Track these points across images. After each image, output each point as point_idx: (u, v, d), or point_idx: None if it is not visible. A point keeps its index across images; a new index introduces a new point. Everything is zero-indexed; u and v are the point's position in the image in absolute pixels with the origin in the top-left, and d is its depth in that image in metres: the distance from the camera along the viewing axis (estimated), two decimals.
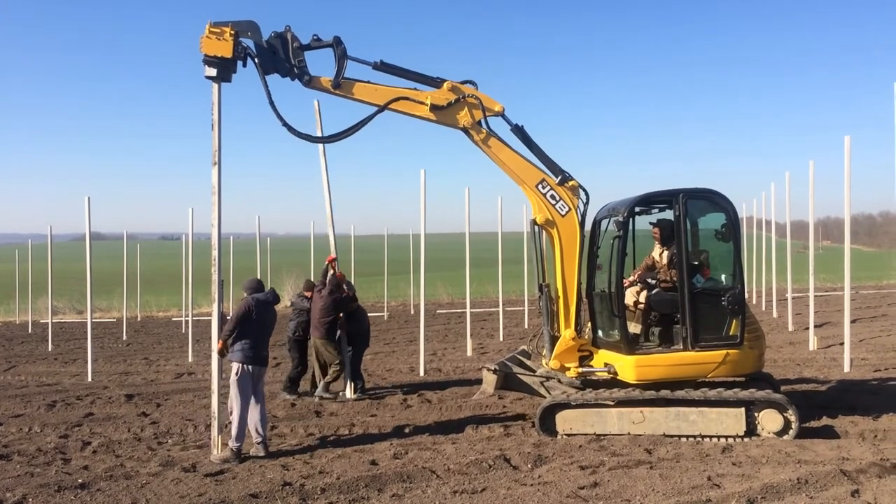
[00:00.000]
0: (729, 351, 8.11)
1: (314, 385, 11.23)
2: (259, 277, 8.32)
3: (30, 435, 9.35)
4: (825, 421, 8.55)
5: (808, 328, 15.39)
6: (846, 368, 11.83)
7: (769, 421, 7.84)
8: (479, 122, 8.40)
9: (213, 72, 7.78)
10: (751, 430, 7.85)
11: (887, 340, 15.10)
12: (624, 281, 8.57)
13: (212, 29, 7.69)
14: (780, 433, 7.78)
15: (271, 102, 8.00)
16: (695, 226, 8.64)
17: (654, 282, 8.80)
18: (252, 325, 8.01)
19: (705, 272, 8.45)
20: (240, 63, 7.94)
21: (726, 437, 7.86)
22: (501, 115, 8.50)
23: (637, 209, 8.77)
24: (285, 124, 8.08)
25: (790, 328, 18.12)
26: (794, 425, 7.78)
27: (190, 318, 18.37)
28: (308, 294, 11.42)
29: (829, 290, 29.60)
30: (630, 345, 8.22)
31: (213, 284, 7.84)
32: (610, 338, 8.51)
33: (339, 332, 11.10)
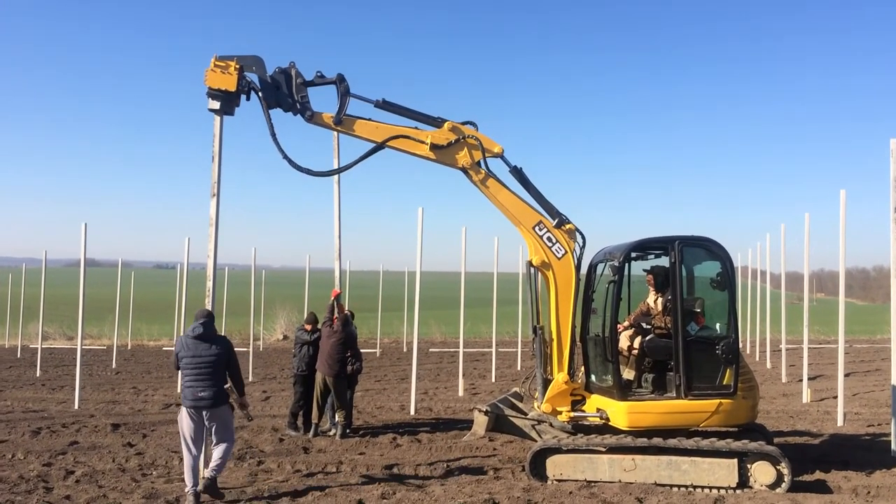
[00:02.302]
0: (722, 400, 8.06)
1: (307, 421, 11.08)
2: (209, 309, 7.86)
3: (13, 462, 9.21)
4: (818, 475, 8.47)
5: (801, 380, 15.32)
6: (840, 422, 11.76)
7: (762, 473, 7.76)
8: (479, 163, 8.47)
9: (216, 104, 7.88)
10: (743, 482, 7.77)
11: (881, 395, 15.03)
12: (618, 326, 8.56)
13: (217, 62, 7.82)
14: (773, 486, 7.70)
15: (273, 136, 8.06)
16: (690, 273, 8.66)
17: (648, 327, 8.79)
18: (183, 365, 7.50)
19: (700, 320, 8.45)
20: (243, 97, 8.03)
21: (718, 488, 7.77)
22: (501, 156, 8.57)
23: (633, 254, 8.80)
24: (286, 157, 8.14)
25: (784, 379, 18.05)
26: (786, 478, 7.70)
27: None
28: (308, 327, 11.33)
29: (823, 342, 29.56)
30: (623, 390, 8.17)
31: (206, 307, 7.80)
32: (603, 383, 8.46)
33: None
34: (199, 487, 7.33)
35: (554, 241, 8.47)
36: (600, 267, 8.92)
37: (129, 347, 28.67)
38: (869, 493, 7.86)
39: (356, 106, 8.37)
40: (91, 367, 21.29)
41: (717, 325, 8.57)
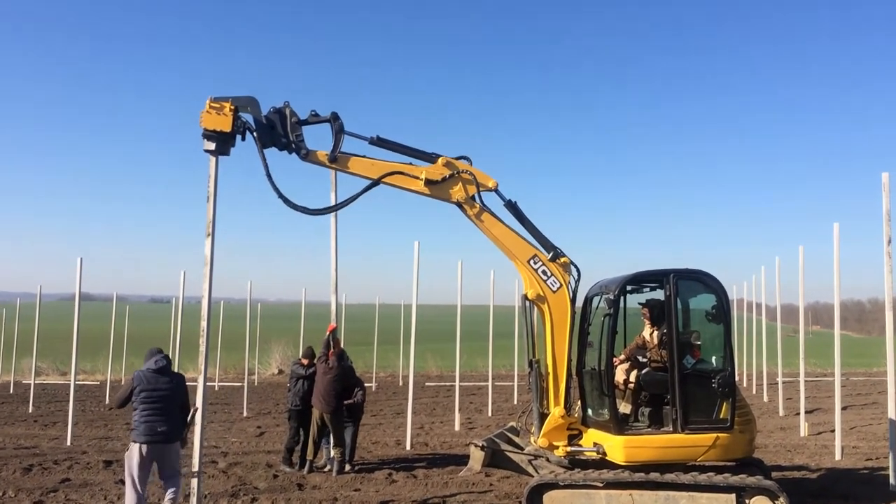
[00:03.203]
0: (719, 434, 8.02)
1: (303, 457, 10.97)
2: (159, 347, 7.99)
3: (3, 500, 9.10)
4: None
5: (798, 413, 15.27)
6: (838, 456, 11.70)
7: None
8: (473, 197, 8.50)
9: (211, 145, 7.88)
10: None
11: (878, 429, 14.97)
12: (614, 359, 8.54)
13: (212, 104, 7.84)
14: None
15: (269, 176, 8.08)
16: (685, 306, 8.67)
17: (644, 360, 8.77)
18: (140, 399, 7.46)
19: (696, 353, 8.43)
20: (238, 137, 8.06)
21: None
22: (495, 190, 8.60)
23: (628, 288, 8.82)
24: (281, 196, 8.14)
25: (781, 413, 17.98)
26: None
27: None
28: (304, 362, 11.28)
29: (820, 375, 29.49)
30: (619, 425, 8.13)
31: (199, 356, 7.79)
32: (599, 417, 8.42)
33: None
34: None
35: (549, 274, 8.45)
36: (596, 300, 8.92)
37: (122, 383, 28.47)
38: None
39: (350, 143, 8.42)
40: (84, 403, 21.12)
41: (713, 359, 8.56)
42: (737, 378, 8.59)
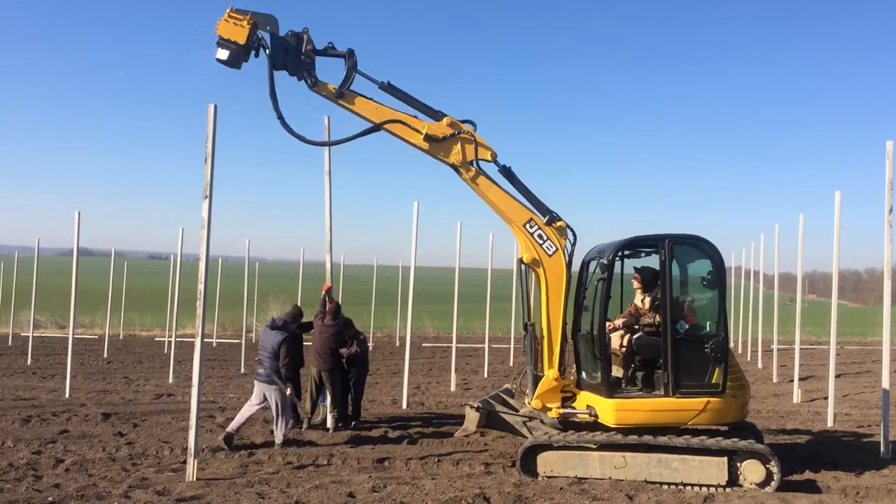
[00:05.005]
0: (710, 399, 8.07)
1: (294, 413, 11.05)
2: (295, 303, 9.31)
3: (2, 450, 9.19)
4: (808, 475, 8.50)
5: (792, 380, 15.38)
6: (830, 423, 11.81)
7: (751, 471, 7.79)
8: (470, 162, 8.44)
9: (224, 54, 7.97)
10: (732, 480, 7.79)
11: (871, 397, 15.10)
12: (609, 324, 8.56)
13: (231, 13, 7.94)
14: (762, 485, 7.72)
15: (273, 94, 8.07)
16: (681, 271, 8.66)
17: (637, 326, 8.79)
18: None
19: (689, 318, 8.42)
20: (252, 53, 8.09)
21: (708, 486, 7.79)
22: (493, 161, 8.54)
23: (624, 252, 8.79)
24: (281, 117, 8.14)
25: (775, 380, 18.12)
26: (775, 477, 7.73)
27: (173, 339, 18.17)
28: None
29: (815, 343, 29.68)
30: (611, 388, 8.19)
31: (197, 319, 7.81)
32: (593, 380, 8.47)
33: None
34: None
35: (545, 238, 8.45)
36: (592, 264, 8.91)
37: (121, 337, 28.61)
38: (858, 493, 7.89)
39: (361, 84, 8.38)
40: (82, 357, 21.24)
41: (707, 324, 8.57)
42: (731, 344, 8.60)
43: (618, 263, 8.82)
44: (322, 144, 9.07)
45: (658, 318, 8.39)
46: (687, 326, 8.31)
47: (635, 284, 9.00)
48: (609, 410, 8.09)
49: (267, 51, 8.10)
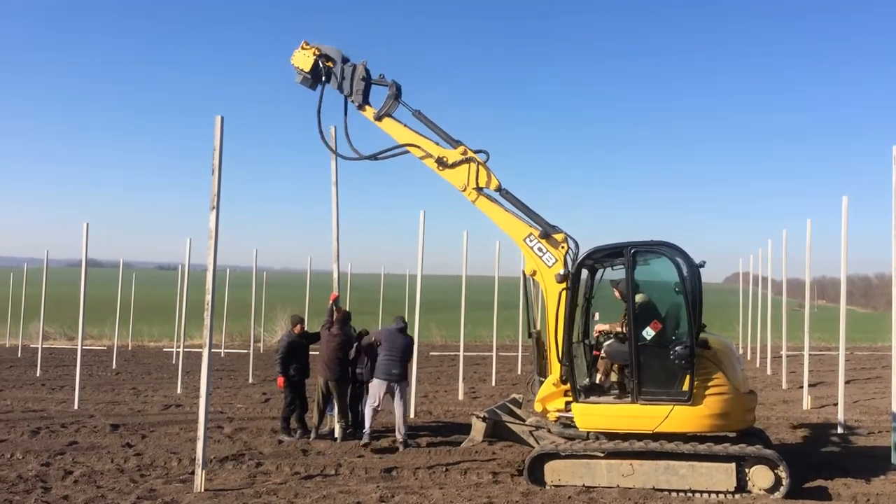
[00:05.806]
0: (675, 406, 8.00)
1: (302, 422, 11.05)
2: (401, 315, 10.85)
3: (11, 461, 9.22)
4: (818, 482, 8.45)
5: (802, 387, 15.30)
6: (840, 430, 11.74)
7: (760, 477, 7.75)
8: (475, 187, 9.13)
9: (298, 78, 9.76)
10: (741, 487, 7.76)
11: (881, 403, 15.00)
12: (596, 330, 8.91)
13: (304, 46, 9.72)
14: (771, 490, 7.69)
15: (318, 113, 9.80)
16: (652, 278, 8.66)
17: (612, 333, 8.81)
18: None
19: (655, 325, 8.33)
20: (323, 79, 9.72)
21: (717, 492, 7.76)
22: (498, 189, 9.13)
23: (588, 262, 8.77)
24: (321, 132, 9.83)
25: (784, 386, 18.02)
26: (784, 482, 7.69)
27: (181, 350, 18.26)
28: (297, 330, 11.34)
29: (824, 349, 29.52)
30: (577, 392, 8.33)
31: (204, 329, 7.85)
32: (575, 385, 8.51)
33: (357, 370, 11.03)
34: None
35: (544, 250, 8.79)
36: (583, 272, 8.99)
37: (129, 348, 28.70)
38: (868, 500, 7.84)
39: (400, 110, 9.67)
40: (91, 368, 21.32)
41: (675, 332, 8.47)
42: (740, 351, 8.54)
43: (599, 272, 9.21)
44: (356, 159, 9.83)
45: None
46: (654, 333, 8.23)
47: (616, 295, 8.94)
48: (577, 414, 8.29)
49: (331, 79, 9.67)
